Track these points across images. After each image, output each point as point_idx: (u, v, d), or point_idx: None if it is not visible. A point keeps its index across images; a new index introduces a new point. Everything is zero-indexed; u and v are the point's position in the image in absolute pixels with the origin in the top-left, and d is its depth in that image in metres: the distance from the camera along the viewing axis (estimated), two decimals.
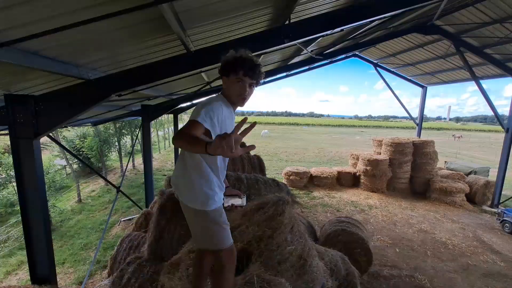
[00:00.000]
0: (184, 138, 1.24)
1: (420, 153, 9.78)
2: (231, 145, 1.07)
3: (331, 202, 8.81)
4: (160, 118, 21.22)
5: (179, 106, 8.81)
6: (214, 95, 1.62)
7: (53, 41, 2.16)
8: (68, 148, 10.19)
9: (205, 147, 1.13)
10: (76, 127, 13.35)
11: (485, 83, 8.95)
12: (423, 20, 7.36)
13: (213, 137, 1.32)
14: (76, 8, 1.80)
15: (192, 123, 1.30)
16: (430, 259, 5.44)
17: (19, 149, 2.63)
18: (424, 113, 12.67)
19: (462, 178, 9.63)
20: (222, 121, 1.44)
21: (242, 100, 1.55)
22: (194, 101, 9.68)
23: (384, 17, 5.54)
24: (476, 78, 8.23)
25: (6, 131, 3.88)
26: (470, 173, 10.41)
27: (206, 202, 1.49)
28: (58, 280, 3.49)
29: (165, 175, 12.00)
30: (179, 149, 1.67)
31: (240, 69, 1.46)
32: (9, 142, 2.89)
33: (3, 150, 11.85)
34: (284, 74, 9.79)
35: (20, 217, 2.82)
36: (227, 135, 1.08)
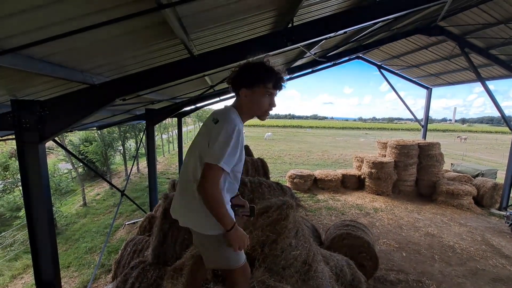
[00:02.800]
0: (215, 202, 1.22)
1: (426, 155, 9.66)
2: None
3: (335, 205, 8.73)
4: (164, 121, 21.33)
5: (183, 110, 8.85)
6: (230, 111, 1.41)
7: (58, 47, 2.18)
8: (73, 152, 10.30)
9: (231, 227, 1.24)
10: (81, 132, 13.49)
11: (491, 84, 8.88)
12: (427, 21, 7.32)
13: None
14: (80, 14, 1.82)
15: (217, 172, 1.21)
16: (438, 264, 5.34)
17: (25, 154, 2.66)
18: (429, 114, 12.55)
19: (469, 180, 9.47)
20: (239, 153, 1.33)
21: (267, 114, 1.44)
22: (198, 105, 9.73)
23: (388, 19, 5.52)
24: (481, 79, 8.13)
25: (13, 136, 3.93)
26: (477, 175, 10.25)
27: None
28: (62, 284, 3.50)
29: (169, 179, 12.03)
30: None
31: (268, 81, 1.33)
32: (15, 147, 2.92)
33: (10, 155, 12.02)
34: (288, 76, 9.79)
35: (26, 221, 2.84)
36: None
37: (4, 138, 4.44)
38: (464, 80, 11.06)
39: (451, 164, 12.02)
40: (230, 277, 1.51)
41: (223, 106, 1.49)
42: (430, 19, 7.17)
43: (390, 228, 7.00)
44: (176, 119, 11.35)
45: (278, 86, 1.37)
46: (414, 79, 12.64)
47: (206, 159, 1.22)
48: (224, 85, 7.07)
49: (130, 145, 16.83)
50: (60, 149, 12.97)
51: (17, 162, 9.99)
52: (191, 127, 39.00)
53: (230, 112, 1.38)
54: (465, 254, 5.74)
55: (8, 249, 7.55)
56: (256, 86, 1.35)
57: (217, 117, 1.36)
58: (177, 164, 12.03)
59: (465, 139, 37.53)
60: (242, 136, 1.33)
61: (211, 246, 1.44)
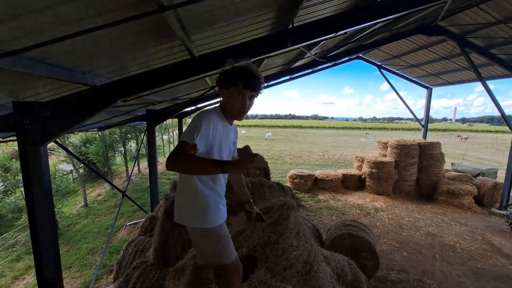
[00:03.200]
0: (190, 163, 1.23)
1: (426, 155, 9.67)
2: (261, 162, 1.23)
3: (336, 205, 8.73)
4: (164, 122, 21.36)
5: (183, 111, 8.87)
6: (210, 109, 1.55)
7: (59, 49, 2.19)
8: (74, 153, 10.31)
9: (221, 168, 1.19)
10: (81, 133, 13.52)
11: (492, 84, 8.90)
12: (427, 21, 7.32)
13: (200, 151, 1.34)
14: (82, 16, 1.83)
15: (184, 145, 1.27)
16: (439, 263, 5.35)
17: (26, 155, 2.67)
18: (430, 114, 12.55)
19: (470, 180, 9.47)
20: (213, 135, 1.41)
21: (242, 114, 1.52)
22: (198, 105, 9.74)
23: (388, 19, 5.53)
24: (482, 79, 8.13)
25: (14, 137, 3.95)
26: (477, 174, 10.25)
27: (211, 218, 1.48)
28: (64, 284, 3.51)
29: (169, 179, 12.05)
30: None
31: (240, 82, 1.42)
32: (17, 148, 2.93)
33: (10, 156, 12.04)
34: (288, 77, 9.80)
35: (27, 222, 2.85)
36: (254, 156, 1.22)
37: (5, 139, 4.45)
38: (464, 79, 11.06)
39: (452, 163, 12.03)
40: (224, 274, 1.55)
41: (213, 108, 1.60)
42: (430, 19, 7.17)
43: (391, 228, 7.01)
44: (176, 119, 11.35)
45: (249, 86, 1.44)
46: (414, 79, 12.64)
47: (183, 138, 1.32)
48: None
49: (131, 146, 16.86)
50: (61, 150, 13.00)
51: (18, 163, 10.05)
52: None
53: (209, 109, 1.54)
54: (465, 253, 5.75)
55: (10, 250, 7.57)
56: (230, 87, 1.46)
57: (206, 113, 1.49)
58: None
59: (466, 138, 37.49)
60: (211, 122, 1.41)
61: (198, 240, 1.52)
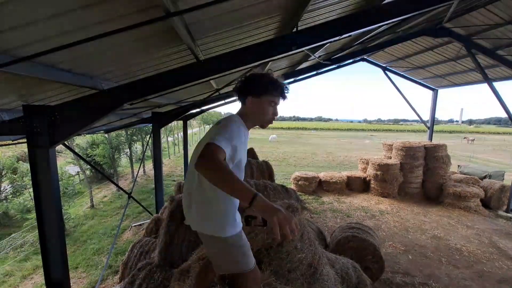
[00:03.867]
0: (224, 176, 1.06)
1: (432, 157, 9.57)
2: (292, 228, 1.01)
3: (341, 208, 8.69)
4: (170, 124, 21.54)
5: (188, 113, 8.94)
6: (233, 116, 1.48)
7: (69, 55, 2.25)
8: (81, 155, 10.45)
9: (251, 199, 1.03)
10: (88, 135, 13.71)
11: (499, 85, 8.72)
12: (433, 22, 7.28)
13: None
14: (91, 23, 1.88)
15: (215, 148, 1.13)
16: (445, 266, 5.29)
17: (36, 158, 2.73)
18: (436, 115, 12.43)
19: (477, 182, 9.35)
20: (239, 147, 1.32)
21: (270, 123, 1.51)
22: (203, 107, 9.81)
23: (393, 22, 5.52)
24: (489, 80, 8.05)
25: (24, 140, 4.03)
26: (484, 177, 10.10)
27: (232, 227, 1.40)
28: (71, 284, 3.56)
29: (174, 181, 12.14)
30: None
31: (275, 91, 1.42)
32: (26, 150, 3.00)
33: (17, 158, 12.26)
34: (292, 79, 9.81)
35: (36, 223, 2.91)
36: (292, 218, 1.04)
37: (15, 142, 4.55)
38: (471, 81, 10.94)
39: (458, 165, 11.88)
40: (240, 283, 1.46)
41: (225, 117, 1.52)
42: (436, 21, 7.14)
43: (396, 230, 6.95)
44: (181, 122, 11.44)
45: (283, 96, 1.47)
46: (419, 81, 12.54)
47: (214, 140, 1.18)
48: (230, 88, 7.14)
49: (136, 148, 17.03)
50: (68, 152, 13.19)
51: (24, 165, 10.20)
52: (196, 130, 39.25)
53: (233, 116, 1.47)
54: (472, 256, 5.68)
55: (19, 250, 7.70)
56: (263, 96, 1.42)
57: (220, 120, 1.46)
58: (183, 166, 12.12)
59: (473, 140, 36.99)
60: (242, 133, 1.38)
61: (219, 249, 1.43)
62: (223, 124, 1.35)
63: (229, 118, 1.42)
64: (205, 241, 1.49)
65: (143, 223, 8.26)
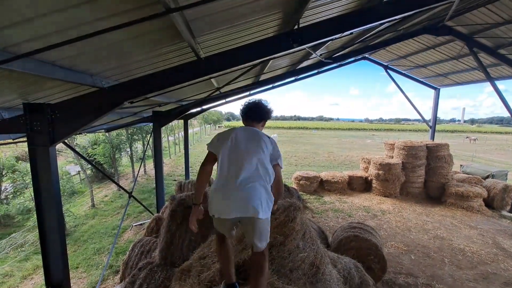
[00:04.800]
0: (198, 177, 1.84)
1: (434, 157, 9.52)
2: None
3: (342, 207, 8.66)
4: (170, 123, 21.53)
5: (189, 112, 8.92)
6: (271, 137, 2.01)
7: (69, 52, 2.23)
8: (82, 154, 10.45)
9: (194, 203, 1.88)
10: (89, 134, 13.71)
11: (502, 84, 8.74)
12: (434, 21, 7.23)
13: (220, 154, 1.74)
14: (91, 19, 1.86)
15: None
16: (448, 267, 5.25)
17: (36, 157, 2.71)
18: (438, 115, 12.36)
19: (479, 182, 9.29)
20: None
21: None
22: (204, 106, 9.79)
23: (394, 20, 5.48)
24: (491, 79, 7.98)
25: (25, 139, 4.02)
26: (487, 176, 10.03)
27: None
28: (72, 284, 3.54)
29: (175, 180, 12.12)
30: (217, 164, 1.80)
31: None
32: (26, 149, 2.98)
33: (16, 158, 12.27)
34: (293, 78, 9.78)
35: (36, 223, 2.89)
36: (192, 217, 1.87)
37: (16, 140, 4.53)
38: (473, 80, 10.88)
39: (461, 165, 11.81)
40: (264, 254, 1.72)
41: (255, 129, 1.95)
42: (438, 19, 7.08)
43: (398, 230, 6.91)
44: (182, 121, 11.43)
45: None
46: (421, 80, 12.48)
47: (280, 163, 1.85)
48: (230, 87, 7.11)
49: (137, 147, 17.02)
50: (68, 151, 13.19)
51: (23, 165, 10.19)
52: (197, 129, 39.21)
53: (270, 136, 1.95)
54: (475, 257, 5.63)
55: (19, 250, 7.69)
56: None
57: (266, 137, 1.89)
58: (183, 166, 12.09)
59: (475, 140, 36.84)
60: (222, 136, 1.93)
61: (267, 227, 1.73)
62: (276, 146, 1.91)
63: (274, 140, 1.94)
64: (251, 225, 1.68)
65: (143, 223, 8.24)
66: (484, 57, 8.37)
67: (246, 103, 1.97)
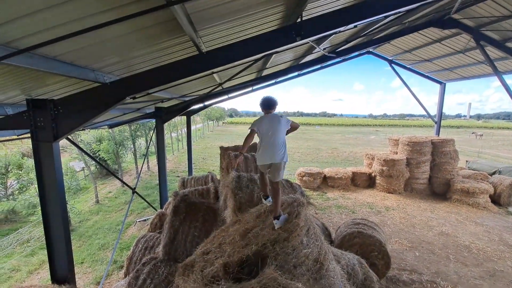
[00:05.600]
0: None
1: (440, 152, 9.41)
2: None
3: (346, 204, 8.62)
4: (173, 120, 21.55)
5: (191, 108, 8.90)
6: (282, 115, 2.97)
7: (70, 46, 2.21)
8: (86, 151, 10.51)
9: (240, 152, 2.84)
10: (93, 131, 13.78)
11: (510, 78, 8.54)
12: (440, 14, 7.09)
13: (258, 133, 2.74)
14: (90, 13, 1.83)
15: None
16: (453, 264, 5.20)
17: (39, 152, 2.72)
18: (443, 110, 12.19)
19: (486, 178, 9.18)
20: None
21: None
22: (206, 103, 9.77)
23: (399, 12, 5.37)
24: (498, 73, 7.83)
25: (29, 135, 4.04)
26: (494, 173, 9.91)
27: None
28: (76, 279, 3.58)
29: (178, 176, 12.16)
30: (258, 136, 2.78)
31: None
32: (31, 145, 2.99)
33: (22, 154, 12.38)
34: (296, 73, 9.69)
35: (41, 218, 2.91)
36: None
37: (20, 137, 4.56)
38: (480, 74, 10.70)
39: (466, 161, 11.69)
40: (276, 185, 2.63)
41: (274, 114, 2.84)
42: (444, 12, 6.94)
43: (402, 227, 6.87)
44: (185, 117, 11.43)
45: None
46: (427, 74, 12.31)
47: (291, 124, 2.81)
48: (232, 82, 7.06)
49: (140, 144, 17.08)
50: (73, 147, 13.29)
51: (29, 161, 10.27)
52: (200, 125, 39.24)
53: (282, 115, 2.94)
54: (481, 254, 5.57)
55: (25, 245, 7.79)
56: None
57: (279, 116, 2.78)
58: (186, 162, 12.11)
59: (481, 135, 36.40)
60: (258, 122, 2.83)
61: (282, 168, 2.66)
62: (287, 118, 2.83)
63: (284, 116, 2.89)
64: (274, 167, 2.66)
65: (147, 219, 8.29)
66: (491, 50, 8.20)
67: (262, 100, 2.83)
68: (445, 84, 12.13)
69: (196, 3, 2.12)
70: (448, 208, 8.22)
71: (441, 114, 12.08)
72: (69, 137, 4.20)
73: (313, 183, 10.25)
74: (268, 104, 2.80)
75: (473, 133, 39.65)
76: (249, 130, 2.76)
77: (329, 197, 9.32)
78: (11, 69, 2.43)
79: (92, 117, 2.74)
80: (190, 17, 2.28)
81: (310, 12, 3.47)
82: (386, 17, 4.99)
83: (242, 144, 2.83)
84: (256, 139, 2.85)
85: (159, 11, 1.73)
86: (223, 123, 56.89)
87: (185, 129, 12.26)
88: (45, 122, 2.65)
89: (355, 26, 5.28)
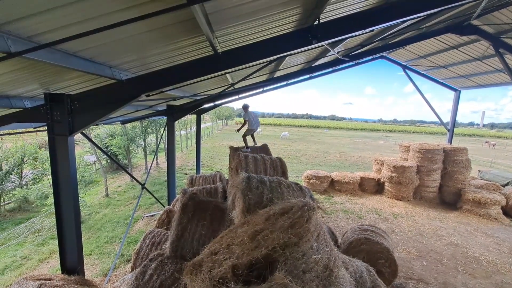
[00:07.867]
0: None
1: (452, 161, 9.20)
2: None
3: (353, 209, 8.52)
4: (183, 118, 21.73)
5: (202, 107, 8.96)
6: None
7: (90, 43, 2.25)
8: (99, 145, 10.70)
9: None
10: (107, 125, 14.03)
11: None
12: (459, 19, 6.92)
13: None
14: (111, 10, 1.86)
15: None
16: (461, 275, 5.08)
17: (55, 145, 2.78)
18: (456, 118, 11.91)
19: (498, 189, 8.93)
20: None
21: None
22: (217, 102, 9.81)
23: (418, 17, 5.27)
24: None
25: (45, 128, 4.14)
26: (507, 184, 9.63)
27: None
28: (85, 270, 3.65)
29: (186, 174, 12.26)
30: (248, 122, 5.33)
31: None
32: (46, 138, 3.06)
33: (39, 145, 12.71)
34: (307, 76, 9.63)
35: (54, 208, 2.98)
36: None
37: (36, 129, 4.68)
38: (497, 82, 10.41)
39: (479, 171, 11.39)
40: (248, 138, 5.36)
41: (254, 111, 4.83)
42: (463, 17, 6.77)
43: (410, 235, 6.74)
44: (195, 116, 11.50)
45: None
46: (441, 81, 12.05)
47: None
48: (245, 83, 7.07)
49: (150, 140, 17.29)
50: (85, 141, 13.55)
51: (45, 152, 10.52)
52: (209, 124, 39.48)
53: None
54: (491, 266, 5.43)
55: (37, 234, 7.99)
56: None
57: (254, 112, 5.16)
58: (194, 160, 12.20)
59: (494, 145, 35.41)
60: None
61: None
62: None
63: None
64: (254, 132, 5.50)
65: (155, 214, 8.38)
66: (510, 58, 7.97)
67: (244, 104, 5.31)
68: (460, 91, 11.85)
69: (215, 3, 2.13)
70: (458, 218, 8.03)
71: (454, 122, 11.81)
72: (84, 131, 4.28)
73: (320, 186, 10.17)
74: (247, 107, 5.31)
75: (486, 142, 38.61)
76: (245, 120, 5.28)
77: (336, 201, 9.23)
78: (32, 63, 2.49)
79: (107, 112, 2.79)
80: (208, 17, 2.29)
81: (329, 14, 3.44)
82: (404, 21, 4.91)
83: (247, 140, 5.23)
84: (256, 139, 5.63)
85: (178, 10, 1.74)
86: (235, 122, 56.77)
87: (194, 127, 12.35)
88: (62, 116, 2.72)
89: (372, 30, 5.21)
